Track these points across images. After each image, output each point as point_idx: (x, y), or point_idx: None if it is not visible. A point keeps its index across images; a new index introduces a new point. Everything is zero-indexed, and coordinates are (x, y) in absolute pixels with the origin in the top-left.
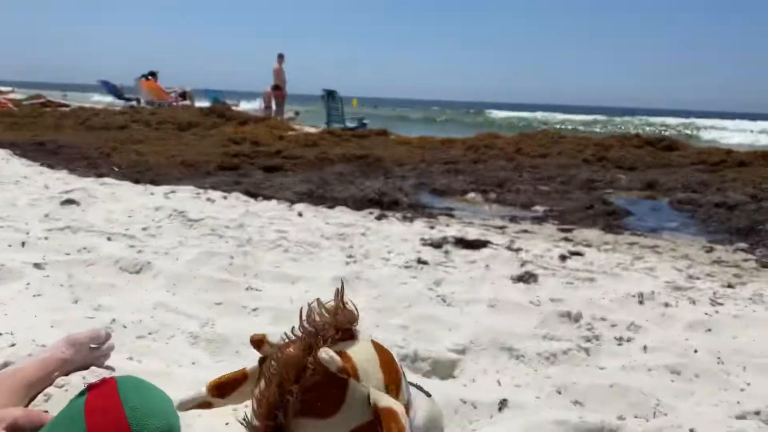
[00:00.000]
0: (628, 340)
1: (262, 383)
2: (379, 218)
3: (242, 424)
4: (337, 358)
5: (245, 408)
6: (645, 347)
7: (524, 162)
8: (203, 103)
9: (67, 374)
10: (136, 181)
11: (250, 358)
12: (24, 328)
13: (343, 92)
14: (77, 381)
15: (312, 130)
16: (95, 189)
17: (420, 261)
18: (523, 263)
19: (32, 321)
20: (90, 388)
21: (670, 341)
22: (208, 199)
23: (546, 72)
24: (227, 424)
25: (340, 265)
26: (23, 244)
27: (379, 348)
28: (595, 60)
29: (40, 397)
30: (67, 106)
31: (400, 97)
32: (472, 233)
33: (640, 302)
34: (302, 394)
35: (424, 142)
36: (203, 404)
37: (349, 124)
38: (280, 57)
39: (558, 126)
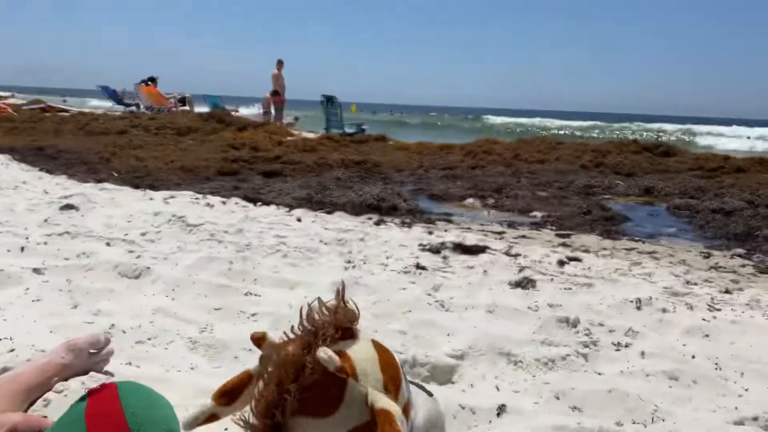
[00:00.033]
0: (626, 346)
1: (261, 382)
2: (377, 223)
3: (240, 423)
4: (335, 357)
5: (244, 412)
6: (643, 353)
7: (522, 168)
8: (202, 109)
9: (66, 379)
10: (136, 187)
11: (249, 363)
12: (23, 333)
13: (342, 98)
14: (76, 386)
15: (311, 135)
16: (94, 194)
17: (418, 266)
18: (522, 269)
19: (31, 326)
20: (90, 393)
21: (668, 347)
22: (207, 205)
23: (544, 78)
24: (226, 429)
25: (339, 271)
26: (22, 249)
27: (379, 347)
28: (593, 67)
29: (40, 402)
30: (66, 111)
31: (399, 103)
32: (471, 239)
33: (638, 308)
34: (300, 393)
35: (422, 147)
36: (209, 417)
37: (348, 130)
38: (279, 63)
39: (555, 131)
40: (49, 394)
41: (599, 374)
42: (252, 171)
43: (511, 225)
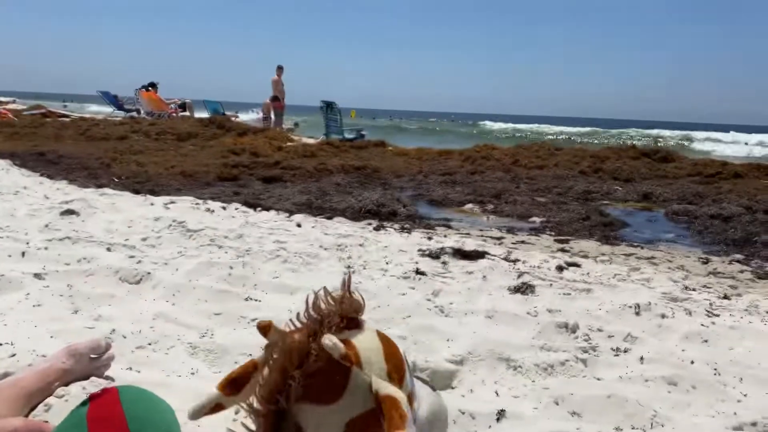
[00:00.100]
0: (625, 351)
1: (266, 369)
2: (377, 229)
3: (243, 408)
4: (340, 344)
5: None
6: (642, 358)
7: (521, 173)
8: (203, 114)
9: (67, 384)
10: (136, 192)
11: None
12: (24, 338)
13: (342, 104)
14: (77, 391)
15: (310, 141)
16: (95, 199)
17: (418, 272)
18: (521, 274)
19: (32, 331)
20: (92, 397)
21: (667, 352)
22: (208, 210)
23: (543, 83)
24: (235, 419)
25: (339, 276)
26: (23, 254)
27: (383, 338)
28: (591, 73)
29: (40, 407)
30: (67, 116)
31: (398, 109)
32: (470, 244)
33: (637, 313)
34: (305, 379)
35: (421, 153)
36: (215, 407)
37: (348, 135)
38: (279, 69)
39: (553, 136)
40: (50, 399)
41: (598, 379)
42: (252, 176)
43: (510, 230)
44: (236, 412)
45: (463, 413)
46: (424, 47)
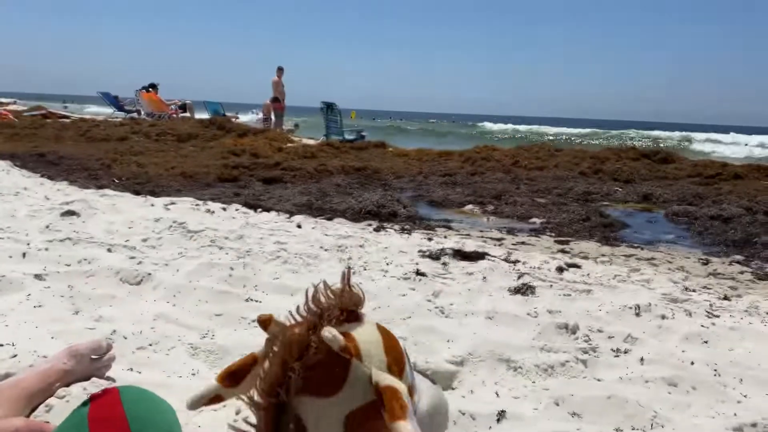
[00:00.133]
0: (625, 352)
1: (266, 361)
2: (377, 230)
3: (244, 400)
4: (340, 337)
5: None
6: (642, 359)
7: (521, 174)
8: (203, 115)
9: (68, 385)
10: (136, 193)
11: None
12: (25, 339)
13: (342, 105)
14: (78, 392)
15: (311, 142)
16: (95, 200)
17: (418, 273)
18: (521, 275)
19: (33, 332)
20: (93, 398)
21: (667, 353)
22: (208, 211)
23: (543, 83)
24: (236, 418)
25: (339, 277)
26: (24, 255)
27: (383, 331)
28: (591, 74)
29: (42, 407)
30: (68, 117)
31: (398, 110)
32: (470, 245)
33: (637, 314)
34: (304, 371)
35: (421, 154)
36: (214, 398)
37: (348, 136)
38: (280, 70)
39: (553, 137)
40: (51, 400)
41: (598, 380)
42: (252, 177)
43: (511, 231)
44: (237, 413)
45: (464, 414)
46: (424, 47)
